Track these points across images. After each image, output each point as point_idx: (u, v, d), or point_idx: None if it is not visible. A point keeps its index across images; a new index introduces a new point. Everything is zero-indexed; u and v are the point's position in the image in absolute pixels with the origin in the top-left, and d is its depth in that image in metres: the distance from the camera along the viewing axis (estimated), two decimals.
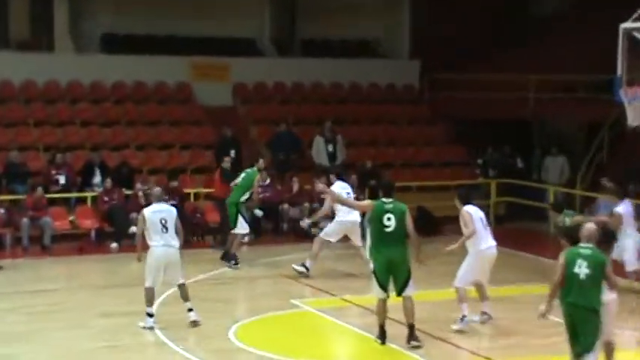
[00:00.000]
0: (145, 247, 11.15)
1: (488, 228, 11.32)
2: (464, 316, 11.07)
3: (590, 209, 16.64)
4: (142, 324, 11.10)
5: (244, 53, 22.21)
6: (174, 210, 11.32)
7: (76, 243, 16.97)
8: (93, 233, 17.24)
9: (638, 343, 11.27)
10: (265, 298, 13.19)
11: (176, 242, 11.14)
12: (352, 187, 14.99)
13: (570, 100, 20.94)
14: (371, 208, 10.38)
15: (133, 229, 14.41)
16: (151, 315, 11.11)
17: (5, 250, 16.45)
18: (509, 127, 21.19)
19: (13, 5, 21.10)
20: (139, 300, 11.31)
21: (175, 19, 21.66)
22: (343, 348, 11.27)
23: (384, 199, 10.22)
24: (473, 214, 11.14)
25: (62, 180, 17.58)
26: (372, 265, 10.35)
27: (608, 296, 8.68)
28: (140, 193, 17.07)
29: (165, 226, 11.04)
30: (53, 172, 17.66)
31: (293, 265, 14.38)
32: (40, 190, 16.72)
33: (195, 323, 11.22)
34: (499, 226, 18.95)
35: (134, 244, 11.71)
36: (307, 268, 14.26)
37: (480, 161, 20.80)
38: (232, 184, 15.42)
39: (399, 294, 10.18)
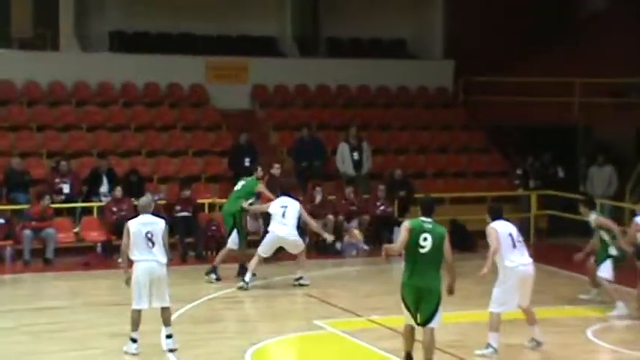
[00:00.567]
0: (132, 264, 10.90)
1: (520, 244, 11.22)
2: (489, 345, 11.02)
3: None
4: (125, 348, 10.99)
5: (264, 53, 22.22)
6: (162, 222, 11.04)
7: (81, 257, 17.00)
8: (99, 246, 17.27)
9: None
10: (286, 319, 13.14)
11: (163, 258, 10.88)
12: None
13: (619, 105, 20.78)
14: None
15: None
16: (134, 340, 10.91)
17: (5, 264, 16.50)
18: (550, 134, 21.06)
19: (15, 0, 21.24)
20: (148, 319, 11.28)
21: (190, 15, 21.72)
22: None
23: (422, 219, 10.10)
24: (499, 229, 11.09)
25: (66, 189, 17.63)
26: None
27: None
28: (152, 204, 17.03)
29: (151, 240, 10.80)
30: (57, 180, 17.72)
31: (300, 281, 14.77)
32: (47, 198, 16.78)
33: (172, 352, 10.96)
34: (540, 241, 18.79)
35: None
36: (247, 283, 14.57)
37: (519, 171, 20.66)
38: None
39: (422, 324, 10.01)
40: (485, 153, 21.70)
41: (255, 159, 18.76)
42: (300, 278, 14.95)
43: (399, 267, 10.27)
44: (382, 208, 18.58)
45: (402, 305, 10.07)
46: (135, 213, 16.95)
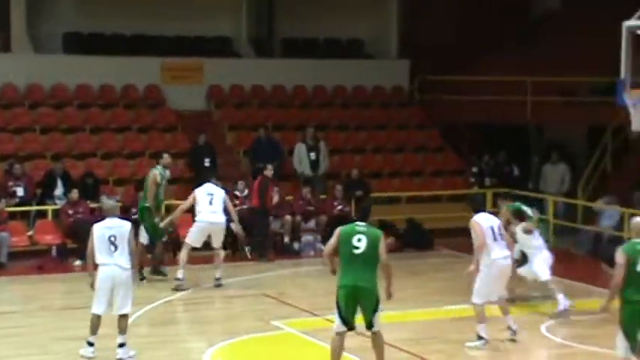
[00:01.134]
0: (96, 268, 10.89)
1: (501, 237, 11.35)
2: (480, 337, 11.13)
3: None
4: (81, 352, 10.95)
5: (219, 53, 22.20)
6: (127, 226, 10.96)
7: (36, 261, 16.86)
8: (54, 250, 17.15)
9: None
10: (243, 320, 13.15)
11: (127, 262, 10.82)
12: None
13: (571, 104, 21.05)
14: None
15: None
16: (91, 344, 10.88)
17: None
18: (504, 133, 21.28)
19: None
20: (106, 323, 11.24)
21: (144, 16, 21.62)
22: None
23: (357, 223, 10.07)
24: (482, 223, 11.18)
25: (20, 192, 17.48)
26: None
27: None
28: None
29: (114, 244, 10.74)
30: (10, 183, 17.56)
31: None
32: (1, 202, 16.63)
33: None
34: None
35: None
36: (181, 279, 14.59)
37: (474, 169, 20.86)
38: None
39: (368, 327, 10.02)
40: (441, 152, 21.88)
41: (214, 159, 18.83)
42: (220, 279, 14.90)
43: None
44: (339, 208, 18.67)
45: (335, 310, 9.95)
46: (90, 216, 17.00)
